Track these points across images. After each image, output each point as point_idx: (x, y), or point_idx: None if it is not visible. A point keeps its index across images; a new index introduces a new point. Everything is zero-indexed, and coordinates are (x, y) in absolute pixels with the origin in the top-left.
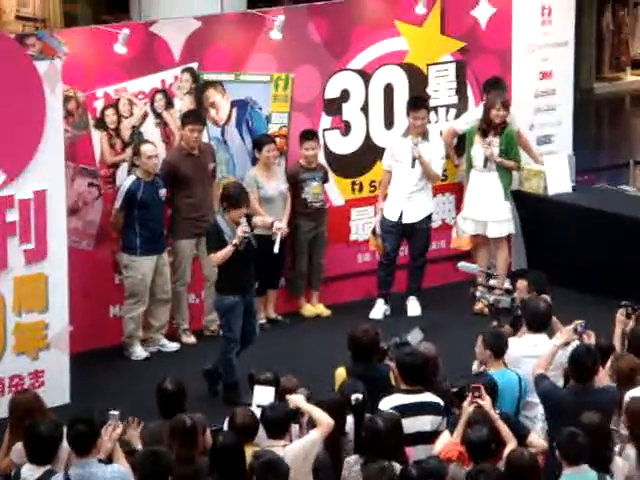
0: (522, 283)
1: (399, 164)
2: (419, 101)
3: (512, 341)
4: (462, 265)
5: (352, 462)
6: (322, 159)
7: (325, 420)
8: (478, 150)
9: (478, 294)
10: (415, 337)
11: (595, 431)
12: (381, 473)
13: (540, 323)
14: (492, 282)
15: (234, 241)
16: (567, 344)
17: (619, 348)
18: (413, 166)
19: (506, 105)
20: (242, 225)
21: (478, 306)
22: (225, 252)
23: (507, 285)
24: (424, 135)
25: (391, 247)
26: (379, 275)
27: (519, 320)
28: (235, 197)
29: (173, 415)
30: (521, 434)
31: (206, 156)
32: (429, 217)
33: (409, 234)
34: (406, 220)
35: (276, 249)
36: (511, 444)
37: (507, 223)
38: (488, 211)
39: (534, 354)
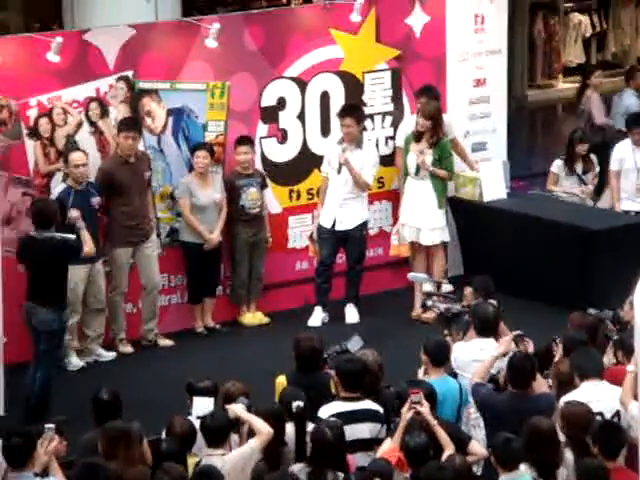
0: (468, 289)
1: (333, 171)
2: (346, 109)
3: (460, 345)
4: (412, 275)
5: (296, 470)
6: (259, 167)
7: (264, 429)
8: (412, 158)
9: (429, 303)
10: (355, 344)
11: (542, 435)
12: None
13: (489, 328)
14: (443, 290)
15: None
16: (505, 354)
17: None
18: (339, 172)
19: (426, 114)
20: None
21: (416, 312)
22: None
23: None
24: (357, 142)
25: (327, 254)
26: (316, 282)
27: (467, 325)
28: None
29: None
30: (462, 442)
31: (142, 164)
32: (363, 224)
33: (344, 241)
34: (339, 227)
35: None
36: (449, 450)
37: (440, 231)
38: (422, 219)
39: (483, 358)
